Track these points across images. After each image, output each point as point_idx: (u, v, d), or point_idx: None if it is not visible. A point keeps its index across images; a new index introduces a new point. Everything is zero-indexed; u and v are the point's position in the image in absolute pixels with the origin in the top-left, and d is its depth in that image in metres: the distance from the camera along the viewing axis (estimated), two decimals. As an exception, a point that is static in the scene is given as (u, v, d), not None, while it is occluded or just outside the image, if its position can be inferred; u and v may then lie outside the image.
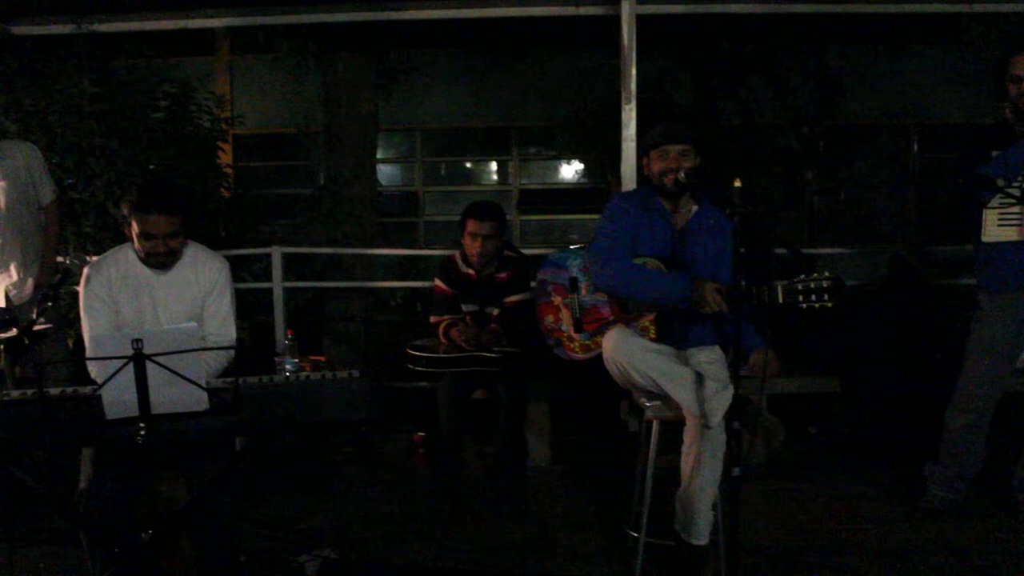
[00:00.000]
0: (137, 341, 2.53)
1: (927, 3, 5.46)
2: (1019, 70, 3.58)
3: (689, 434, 3.37)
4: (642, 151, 3.68)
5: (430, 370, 4.47)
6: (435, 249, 6.41)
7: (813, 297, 3.12)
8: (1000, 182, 3.52)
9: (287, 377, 2.96)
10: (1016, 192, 3.55)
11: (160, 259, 3.27)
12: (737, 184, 2.73)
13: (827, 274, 3.12)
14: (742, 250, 2.93)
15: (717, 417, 3.26)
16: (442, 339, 4.57)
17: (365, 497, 4.50)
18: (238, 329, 3.56)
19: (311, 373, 2.98)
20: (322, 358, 5.95)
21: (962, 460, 3.95)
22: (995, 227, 3.68)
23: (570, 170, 13.17)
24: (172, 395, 2.61)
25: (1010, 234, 3.66)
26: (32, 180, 4.57)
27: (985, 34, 6.44)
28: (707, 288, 3.31)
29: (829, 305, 3.11)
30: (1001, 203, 3.64)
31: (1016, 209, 3.63)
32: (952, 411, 3.96)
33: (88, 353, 3.01)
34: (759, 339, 3.57)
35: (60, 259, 4.58)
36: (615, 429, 5.13)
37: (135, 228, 3.22)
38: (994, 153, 3.63)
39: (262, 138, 12.01)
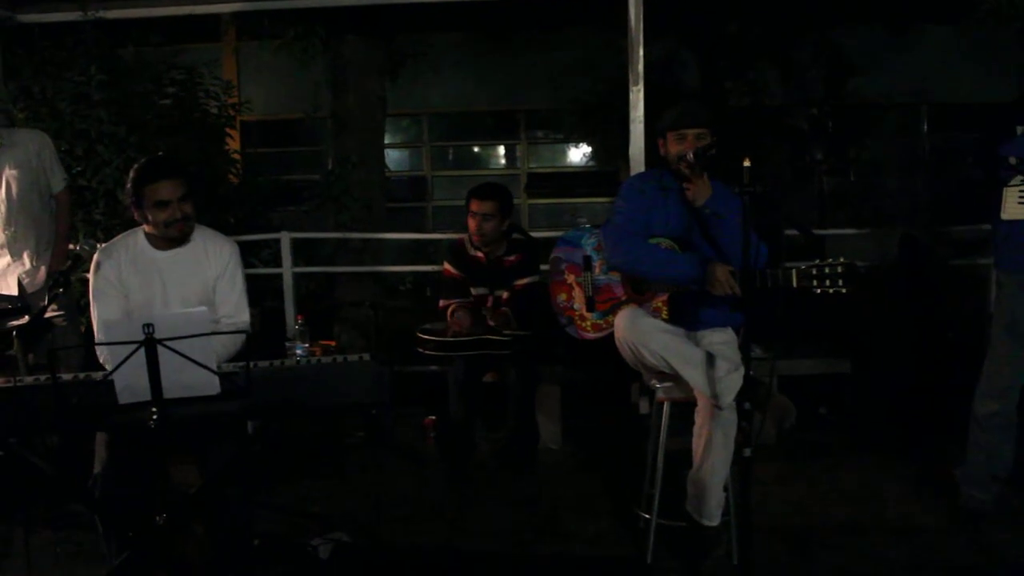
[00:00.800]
0: (148, 326, 2.53)
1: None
2: None
3: (700, 415, 3.37)
4: (658, 132, 3.64)
5: (440, 354, 4.48)
6: (444, 233, 6.40)
7: (828, 282, 3.11)
8: (1012, 160, 3.46)
9: (298, 361, 2.97)
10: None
11: (179, 227, 3.27)
12: (747, 164, 2.71)
13: (841, 259, 3.11)
14: (752, 231, 2.92)
15: (728, 398, 3.26)
16: (449, 322, 4.57)
17: (377, 481, 4.51)
18: (251, 316, 3.56)
19: (321, 357, 2.99)
20: (333, 343, 5.96)
21: (991, 456, 3.79)
22: (1015, 204, 3.60)
23: (578, 153, 13.16)
24: (184, 379, 2.62)
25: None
26: (43, 168, 4.59)
27: (996, 10, 6.37)
28: (720, 270, 3.31)
29: (843, 291, 3.10)
30: (1022, 180, 3.57)
31: None
32: (979, 398, 3.81)
33: (99, 338, 3.03)
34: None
35: (72, 246, 4.59)
36: (626, 411, 5.14)
37: (149, 201, 3.22)
38: (1019, 129, 3.56)
39: (269, 124, 12.03)
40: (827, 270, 3.12)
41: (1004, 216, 3.64)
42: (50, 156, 4.61)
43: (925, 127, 12.97)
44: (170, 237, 3.31)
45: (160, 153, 5.10)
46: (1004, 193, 3.62)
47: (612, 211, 3.68)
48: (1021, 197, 3.59)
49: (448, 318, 4.60)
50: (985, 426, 3.79)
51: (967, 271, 5.96)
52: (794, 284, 3.17)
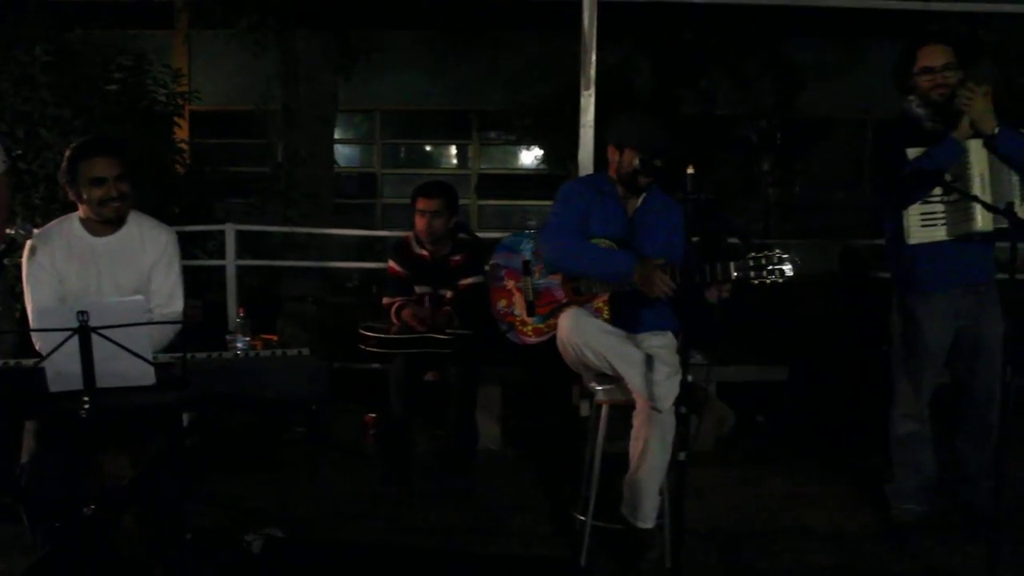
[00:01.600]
0: (83, 313, 2.49)
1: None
2: (929, 61, 3.60)
3: (638, 418, 3.40)
4: (614, 141, 3.62)
5: (381, 351, 4.46)
6: (391, 231, 6.38)
7: (765, 273, 3.14)
8: (948, 177, 3.52)
9: (236, 353, 2.94)
10: (960, 187, 3.55)
11: (115, 206, 3.23)
12: (690, 171, 2.75)
13: (777, 251, 3.16)
14: (694, 238, 2.96)
15: (667, 402, 3.29)
16: (394, 320, 4.56)
17: (314, 477, 4.49)
18: (192, 308, 3.52)
19: (261, 350, 2.97)
20: (275, 337, 5.91)
21: (918, 470, 3.87)
22: (919, 228, 3.63)
23: (529, 156, 13.19)
24: (118, 369, 2.57)
25: (938, 234, 3.61)
26: None
27: (942, 31, 6.52)
28: (651, 267, 3.33)
29: (780, 280, 3.14)
30: (923, 203, 3.60)
31: (939, 208, 3.60)
32: (895, 420, 3.89)
33: (33, 325, 2.97)
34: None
35: (8, 230, 4.48)
36: (566, 413, 5.17)
37: (84, 178, 3.18)
38: (910, 152, 3.60)
39: (219, 115, 11.86)
40: (763, 261, 3.15)
41: (910, 241, 3.65)
42: None
43: (871, 142, 13.21)
44: (105, 217, 3.25)
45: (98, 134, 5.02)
46: (905, 217, 3.64)
47: (549, 214, 3.70)
48: (924, 219, 3.63)
49: (391, 316, 4.58)
50: (905, 444, 3.88)
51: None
52: (732, 275, 3.20)
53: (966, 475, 3.88)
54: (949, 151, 3.55)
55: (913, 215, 3.63)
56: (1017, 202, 3.51)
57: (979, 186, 3.50)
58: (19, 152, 5.76)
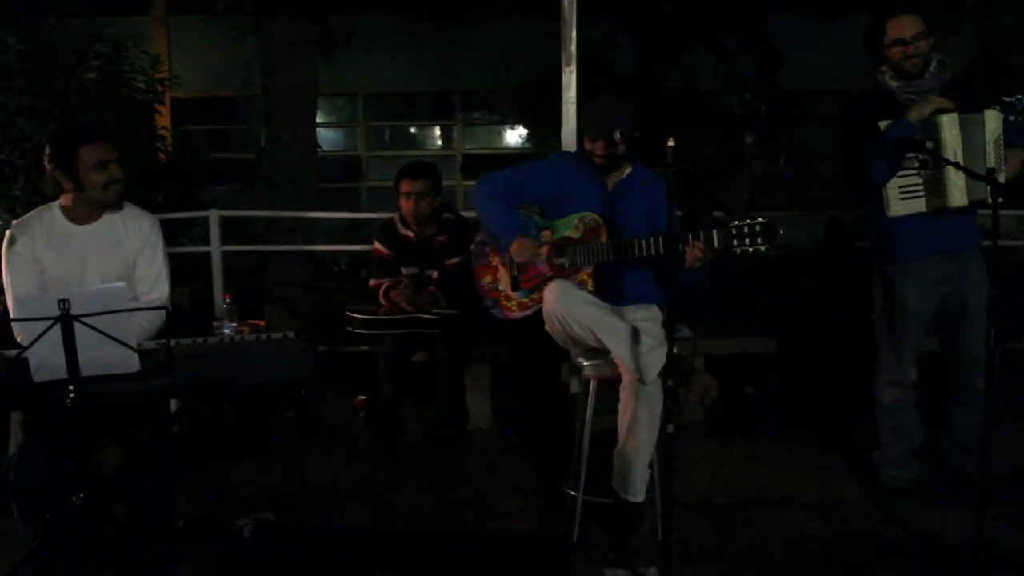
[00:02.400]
0: (64, 301, 2.48)
1: (864, -31, 5.48)
2: (899, 32, 3.59)
3: (625, 392, 3.40)
4: (580, 128, 3.73)
5: (369, 332, 4.45)
6: (377, 213, 6.36)
7: (747, 241, 3.14)
8: (929, 144, 3.52)
9: (221, 338, 2.93)
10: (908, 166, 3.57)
11: (118, 188, 3.25)
12: (670, 143, 2.74)
13: (759, 219, 3.15)
14: (679, 212, 2.96)
15: (652, 373, 3.30)
16: (382, 301, 4.55)
17: (305, 461, 4.49)
18: (179, 295, 3.51)
19: (245, 335, 2.96)
20: (262, 323, 5.89)
21: (904, 437, 3.92)
22: (899, 201, 3.64)
23: (514, 135, 13.16)
24: (102, 357, 2.57)
25: (916, 205, 3.63)
26: None
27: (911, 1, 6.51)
28: (529, 246, 3.57)
29: (763, 249, 3.13)
30: (900, 175, 3.62)
31: (916, 180, 3.61)
32: (880, 387, 3.93)
33: (13, 315, 2.95)
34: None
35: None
36: (556, 391, 5.17)
37: (87, 163, 3.17)
38: (882, 125, 3.60)
39: (201, 101, 11.80)
40: (746, 229, 3.14)
41: (890, 213, 3.67)
42: None
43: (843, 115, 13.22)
44: (108, 201, 3.26)
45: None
46: (884, 191, 3.66)
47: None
48: (903, 191, 3.64)
49: (380, 297, 4.57)
50: (893, 412, 3.92)
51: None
52: (716, 245, 3.21)
53: (955, 440, 3.92)
54: (904, 129, 3.56)
55: (892, 188, 3.65)
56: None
57: (990, 152, 3.51)
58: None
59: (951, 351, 3.84)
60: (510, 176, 3.73)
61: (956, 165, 3.45)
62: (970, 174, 3.41)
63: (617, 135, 3.43)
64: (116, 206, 3.30)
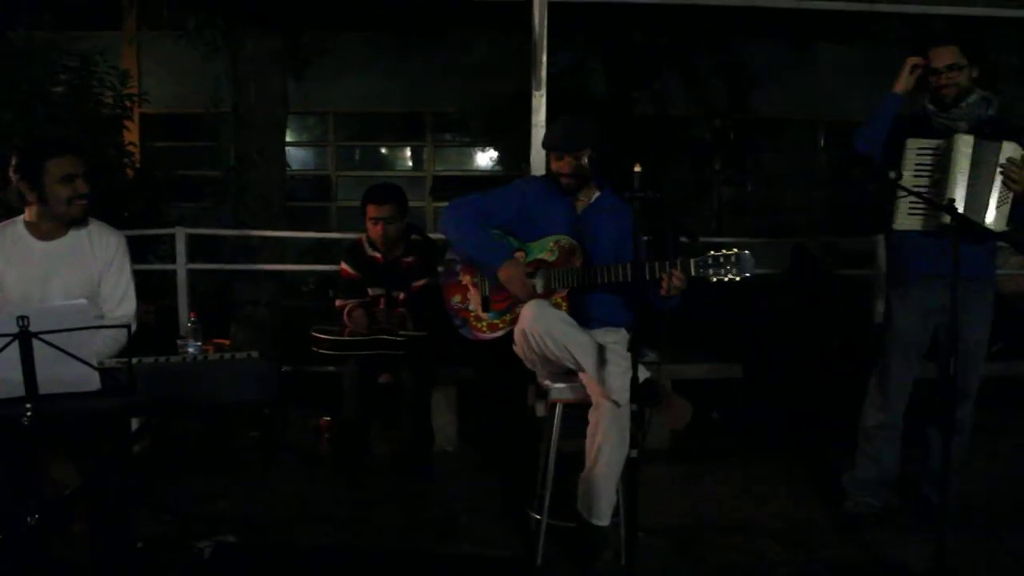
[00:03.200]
0: (22, 318, 2.44)
1: (831, 0, 5.58)
2: (936, 61, 3.66)
3: (595, 414, 3.40)
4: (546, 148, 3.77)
5: (334, 353, 4.43)
6: (346, 233, 6.34)
7: (723, 271, 3.21)
8: (892, 174, 3.57)
9: (184, 357, 2.90)
10: (919, 184, 3.60)
11: (82, 204, 3.21)
12: (637, 169, 2.76)
13: (735, 250, 3.21)
14: (646, 237, 2.99)
15: (625, 395, 3.30)
16: (347, 322, 4.53)
17: (268, 482, 4.45)
18: (144, 312, 3.47)
19: (209, 353, 2.93)
20: (227, 342, 5.83)
21: (878, 464, 3.91)
22: (906, 215, 3.68)
23: (484, 157, 13.19)
24: (61, 374, 2.52)
25: (916, 223, 3.66)
26: None
27: (885, 32, 6.63)
28: (517, 268, 3.53)
29: (737, 279, 3.20)
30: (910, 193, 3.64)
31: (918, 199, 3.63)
32: (866, 410, 3.93)
33: (-30, 332, 2.90)
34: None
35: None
36: (522, 414, 5.16)
37: (53, 177, 3.14)
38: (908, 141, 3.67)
39: (170, 118, 11.74)
40: (722, 259, 3.23)
41: (895, 226, 3.71)
42: None
43: (821, 142, 13.39)
44: (72, 216, 3.22)
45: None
46: (896, 203, 3.69)
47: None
48: (911, 208, 3.67)
49: (344, 318, 4.55)
50: (872, 436, 3.91)
51: (854, 281, 6.17)
52: (692, 274, 3.26)
53: (929, 468, 3.90)
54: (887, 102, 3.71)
55: (903, 202, 3.68)
56: (992, 205, 3.54)
57: (955, 182, 3.54)
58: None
59: (940, 381, 3.81)
60: (479, 202, 3.74)
61: (908, 190, 3.51)
62: (925, 200, 3.47)
63: (585, 159, 3.47)
64: (81, 222, 3.26)
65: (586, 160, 3.49)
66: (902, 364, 3.84)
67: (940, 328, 3.76)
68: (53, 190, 3.16)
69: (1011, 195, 3.56)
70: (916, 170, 3.65)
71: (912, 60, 3.72)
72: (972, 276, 3.62)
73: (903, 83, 3.75)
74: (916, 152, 3.66)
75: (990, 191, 3.55)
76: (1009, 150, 3.54)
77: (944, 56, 3.66)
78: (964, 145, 3.56)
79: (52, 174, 3.14)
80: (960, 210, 3.44)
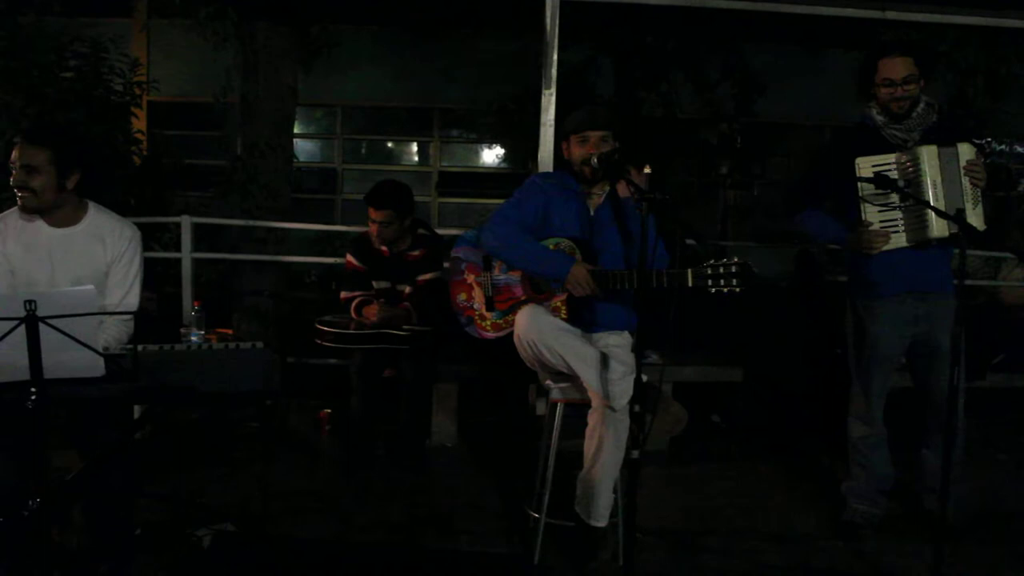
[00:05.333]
0: (30, 302, 2.44)
1: (841, 7, 5.57)
2: (891, 73, 3.63)
3: (593, 417, 3.41)
4: (562, 135, 3.70)
5: (338, 346, 4.44)
6: (350, 226, 6.33)
7: (722, 281, 3.18)
8: (900, 183, 3.57)
9: (188, 346, 2.91)
10: (890, 201, 3.61)
11: (18, 195, 3.14)
12: (647, 171, 2.76)
13: (736, 259, 3.19)
14: (658, 236, 2.98)
15: (622, 401, 3.31)
16: (353, 315, 4.54)
17: (268, 473, 4.45)
18: (147, 300, 3.46)
19: (213, 343, 2.94)
20: (230, 331, 5.84)
21: (872, 471, 3.91)
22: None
23: (491, 154, 13.18)
24: (66, 360, 2.53)
25: (897, 240, 3.65)
26: None
27: (904, 43, 6.60)
28: (579, 271, 3.42)
29: (738, 290, 3.17)
30: (881, 210, 3.65)
31: (898, 215, 3.64)
32: (851, 422, 3.94)
33: (-21, 314, 2.90)
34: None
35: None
36: (522, 412, 5.17)
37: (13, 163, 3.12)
38: (859, 161, 3.63)
39: (178, 106, 11.72)
40: (721, 270, 3.19)
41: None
42: None
43: (824, 146, 13.36)
44: (23, 207, 3.18)
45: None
46: (864, 226, 3.68)
47: (505, 201, 3.72)
48: (885, 226, 3.66)
49: (351, 312, 4.56)
50: (861, 448, 3.92)
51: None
52: (689, 284, 3.23)
53: (924, 483, 3.92)
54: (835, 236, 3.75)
55: (874, 222, 3.67)
56: (969, 207, 3.55)
57: (931, 193, 3.54)
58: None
59: (923, 394, 3.85)
60: (513, 213, 3.63)
61: (926, 204, 3.50)
62: (939, 213, 3.46)
63: (594, 160, 3.46)
64: (26, 209, 3.20)
65: (595, 162, 3.47)
66: (881, 376, 3.85)
67: (916, 336, 3.78)
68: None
69: (979, 192, 3.59)
70: (881, 191, 3.62)
71: (879, 245, 3.66)
72: (942, 289, 3.73)
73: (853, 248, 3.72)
74: (872, 169, 3.62)
75: (962, 195, 3.56)
76: (967, 151, 3.58)
77: (899, 67, 3.64)
78: (930, 156, 3.56)
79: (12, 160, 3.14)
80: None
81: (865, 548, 3.74)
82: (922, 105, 3.69)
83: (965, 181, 3.57)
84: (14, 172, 3.12)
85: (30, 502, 2.66)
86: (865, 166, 3.63)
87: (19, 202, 3.17)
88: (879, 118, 3.72)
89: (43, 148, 3.12)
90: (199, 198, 8.16)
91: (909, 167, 3.59)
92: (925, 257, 3.68)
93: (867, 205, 3.66)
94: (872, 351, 3.81)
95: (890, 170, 3.61)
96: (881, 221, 3.66)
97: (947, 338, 3.65)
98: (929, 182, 3.55)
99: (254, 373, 2.76)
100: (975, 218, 3.57)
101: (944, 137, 3.62)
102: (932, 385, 3.78)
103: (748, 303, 3.29)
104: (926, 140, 3.63)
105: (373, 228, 4.53)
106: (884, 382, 3.87)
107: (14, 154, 3.12)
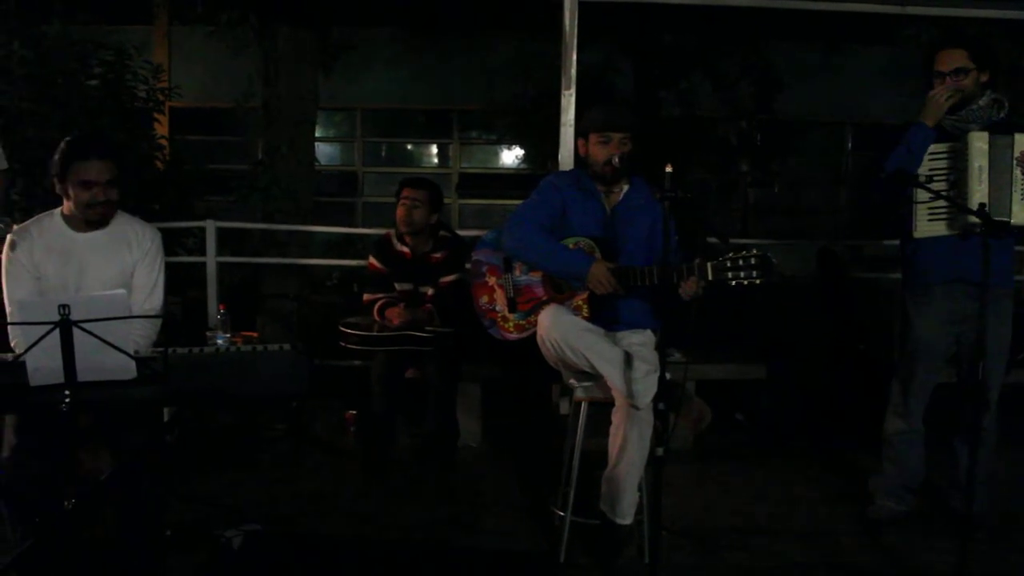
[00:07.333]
0: (64, 307, 2.49)
1: (861, 3, 5.55)
2: (943, 65, 3.63)
3: (617, 415, 3.42)
4: (579, 133, 3.73)
5: (362, 348, 4.47)
6: (372, 228, 6.37)
7: (742, 274, 3.19)
8: (922, 178, 3.56)
9: (217, 348, 2.94)
10: (937, 188, 3.58)
11: (99, 210, 3.21)
12: (668, 169, 2.77)
13: (755, 251, 3.19)
14: (675, 236, 2.99)
15: (646, 399, 3.32)
16: (376, 317, 4.57)
17: (295, 474, 4.50)
18: (171, 304, 3.51)
19: (241, 345, 2.97)
20: (255, 334, 5.89)
21: (903, 468, 3.89)
22: (926, 222, 3.65)
23: (510, 155, 13.21)
24: (99, 363, 2.57)
25: (939, 228, 3.63)
26: None
27: (917, 35, 6.59)
28: (599, 269, 3.45)
29: (757, 282, 3.18)
30: (932, 196, 3.59)
31: (941, 203, 3.60)
32: (889, 416, 3.92)
33: (11, 319, 2.96)
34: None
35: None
36: (546, 411, 5.19)
37: (74, 179, 3.16)
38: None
39: (200, 112, 11.83)
40: (741, 262, 3.20)
41: (916, 234, 3.67)
42: None
43: (849, 145, 13.32)
44: (88, 219, 3.25)
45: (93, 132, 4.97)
46: (915, 210, 3.66)
47: (522, 202, 3.75)
48: (931, 214, 3.65)
49: (374, 314, 4.60)
50: (895, 443, 3.90)
51: (879, 285, 6.15)
52: (709, 277, 3.25)
53: (956, 479, 3.87)
54: (916, 135, 3.61)
55: (922, 209, 3.64)
56: (1016, 198, 3.51)
57: (976, 178, 3.49)
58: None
59: (963, 389, 3.81)
60: (531, 214, 3.66)
61: (944, 198, 3.49)
62: (959, 207, 3.45)
63: (615, 160, 3.48)
64: (99, 223, 3.30)
65: (629, 146, 3.49)
66: (923, 372, 3.81)
67: (962, 335, 3.74)
68: (74, 192, 3.20)
69: None
70: (931, 174, 3.62)
71: (944, 93, 3.61)
72: (992, 283, 3.51)
73: (932, 117, 3.63)
74: (929, 156, 3.64)
75: (1011, 186, 3.51)
76: (1022, 142, 3.51)
77: (951, 60, 3.63)
78: (979, 142, 3.51)
79: (74, 176, 3.17)
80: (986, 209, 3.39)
81: (891, 545, 3.73)
82: (985, 99, 3.64)
83: (1017, 172, 3.51)
84: (94, 191, 3.17)
85: (65, 503, 2.71)
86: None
87: (96, 216, 3.24)
88: None
89: (112, 161, 3.21)
90: (220, 202, 8.24)
91: (959, 154, 3.56)
92: (974, 246, 3.48)
93: (918, 192, 3.62)
94: (915, 346, 3.79)
95: (944, 156, 3.61)
96: (929, 208, 3.63)
97: (995, 334, 3.58)
98: (976, 168, 3.50)
99: (283, 375, 2.79)
100: (1022, 213, 3.51)
101: (1007, 131, 3.56)
102: (973, 381, 3.73)
103: (771, 300, 3.30)
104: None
105: (401, 210, 4.56)
106: (926, 379, 3.82)
107: (80, 174, 3.16)
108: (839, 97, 11.99)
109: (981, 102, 3.64)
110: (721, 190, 12.38)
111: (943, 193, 3.53)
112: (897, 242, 3.91)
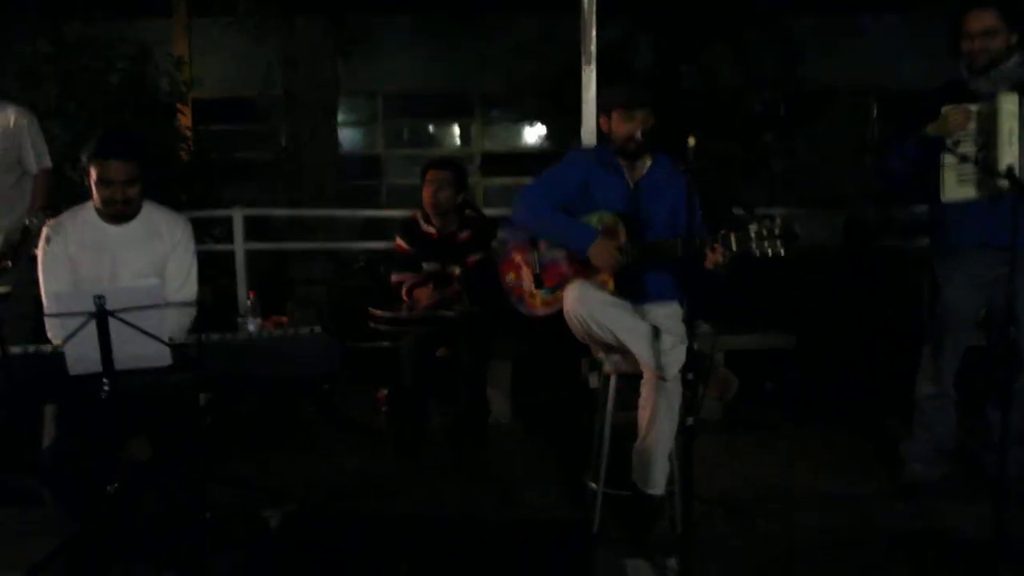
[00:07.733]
0: (100, 297, 2.54)
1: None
2: (972, 26, 3.56)
3: (646, 387, 3.45)
4: (602, 109, 3.74)
5: (392, 329, 4.52)
6: (397, 210, 6.41)
7: (766, 243, 3.19)
8: (948, 141, 3.52)
9: (249, 334, 2.99)
10: (964, 151, 3.54)
11: (117, 208, 3.27)
12: (691, 142, 2.78)
13: (778, 220, 3.19)
14: (699, 208, 2.99)
15: (673, 370, 3.34)
16: (404, 297, 4.61)
17: (328, 455, 4.55)
18: (202, 292, 3.57)
19: (273, 330, 3.02)
20: (284, 319, 5.95)
21: (934, 432, 3.89)
22: (955, 185, 3.59)
23: (533, 133, 13.19)
24: (135, 351, 2.64)
25: (968, 191, 3.57)
26: (18, 145, 4.44)
27: (941, 1, 6.48)
28: (600, 245, 3.51)
29: (782, 251, 3.18)
30: (961, 161, 3.53)
31: (971, 167, 3.54)
32: (920, 380, 3.90)
33: (48, 311, 3.02)
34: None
35: (24, 221, 4.46)
36: (575, 386, 5.21)
37: (94, 176, 3.22)
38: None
39: (222, 102, 11.88)
40: (765, 231, 3.20)
41: (944, 198, 3.62)
42: (27, 133, 4.44)
43: (875, 114, 13.18)
44: (107, 215, 3.31)
45: (119, 130, 5.02)
46: (943, 173, 3.60)
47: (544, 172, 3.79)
48: (960, 176, 3.59)
49: (402, 293, 4.63)
50: (926, 407, 3.89)
51: (907, 253, 6.11)
52: (733, 248, 3.26)
53: (989, 442, 3.86)
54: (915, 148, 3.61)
55: (950, 171, 3.59)
56: None
57: (1007, 141, 3.43)
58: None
59: (994, 353, 3.80)
60: (546, 186, 3.74)
61: (965, 158, 3.45)
62: (988, 171, 3.41)
63: (638, 135, 3.50)
64: (127, 217, 3.35)
65: (652, 121, 3.52)
66: (953, 336, 3.80)
67: (992, 299, 3.71)
68: (95, 189, 3.25)
69: None
70: (960, 137, 3.55)
71: (963, 120, 3.54)
72: (1022, 247, 3.43)
73: (936, 129, 3.56)
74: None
75: None
76: None
77: (980, 19, 3.56)
78: (1009, 103, 3.44)
79: (94, 174, 3.23)
80: (1016, 172, 3.30)
81: (923, 509, 3.73)
82: (1014, 59, 3.58)
83: None
84: (112, 189, 3.23)
85: (108, 487, 2.78)
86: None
87: (115, 213, 3.30)
88: (965, 72, 3.66)
89: (132, 161, 3.25)
90: (246, 190, 8.29)
91: (988, 116, 3.49)
92: (1003, 210, 3.38)
93: (947, 155, 3.57)
94: (944, 310, 3.77)
95: (971, 119, 3.53)
96: (958, 172, 3.58)
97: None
98: (1006, 130, 3.44)
99: (315, 358, 2.85)
100: None
101: None
102: (1004, 344, 3.69)
103: (798, 270, 3.29)
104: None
105: (428, 192, 4.59)
106: (956, 343, 3.80)
107: (99, 171, 3.22)
108: (863, 65, 11.83)
109: (1010, 63, 3.59)
110: (746, 161, 12.29)
111: (971, 156, 3.49)
112: (926, 207, 3.88)
